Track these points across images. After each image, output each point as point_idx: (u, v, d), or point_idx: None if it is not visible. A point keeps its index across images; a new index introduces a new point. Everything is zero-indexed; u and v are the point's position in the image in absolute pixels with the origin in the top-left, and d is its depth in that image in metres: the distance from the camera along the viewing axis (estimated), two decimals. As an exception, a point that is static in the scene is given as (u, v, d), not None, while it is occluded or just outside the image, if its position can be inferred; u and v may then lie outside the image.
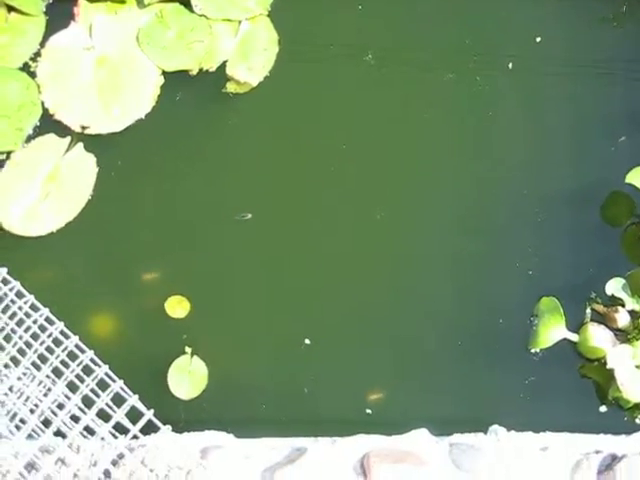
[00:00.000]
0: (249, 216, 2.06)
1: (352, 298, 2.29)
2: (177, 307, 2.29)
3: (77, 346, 1.77)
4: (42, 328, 1.87)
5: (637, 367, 2.14)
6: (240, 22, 2.56)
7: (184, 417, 2.17)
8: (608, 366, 2.09)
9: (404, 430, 1.97)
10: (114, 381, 1.75)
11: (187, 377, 2.22)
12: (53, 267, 2.33)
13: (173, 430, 1.89)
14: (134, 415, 1.82)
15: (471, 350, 2.23)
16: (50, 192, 2.37)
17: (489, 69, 2.52)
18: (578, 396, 2.18)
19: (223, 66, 2.52)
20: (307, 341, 2.24)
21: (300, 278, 2.31)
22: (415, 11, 2.58)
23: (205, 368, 2.23)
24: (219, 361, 2.24)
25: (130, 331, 2.27)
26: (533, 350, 2.21)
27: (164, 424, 1.85)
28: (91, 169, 2.40)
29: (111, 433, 1.73)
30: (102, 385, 1.80)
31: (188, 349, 2.23)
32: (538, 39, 2.54)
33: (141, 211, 2.39)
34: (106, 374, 1.73)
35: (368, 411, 2.17)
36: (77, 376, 1.75)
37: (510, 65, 2.50)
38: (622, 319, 2.19)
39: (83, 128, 2.43)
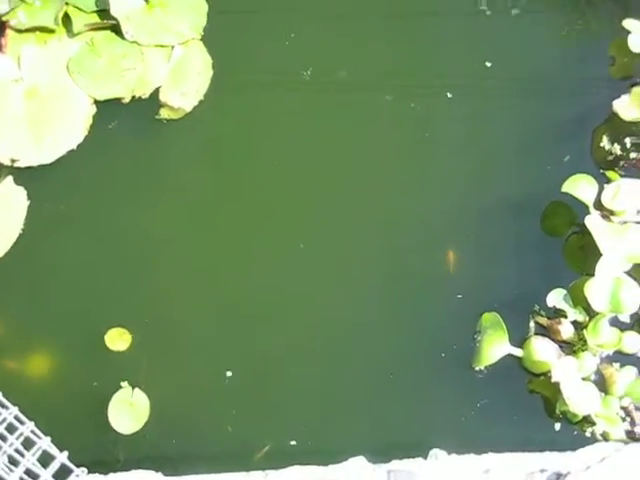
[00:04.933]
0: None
1: (286, 324, 2.15)
2: (118, 340, 2.14)
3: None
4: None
5: (583, 379, 2.00)
6: (173, 47, 2.44)
7: (123, 454, 2.00)
8: (553, 380, 1.95)
9: (342, 459, 1.82)
10: (23, 423, 1.57)
11: (128, 410, 2.05)
12: (-14, 305, 2.15)
13: (106, 469, 1.72)
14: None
15: (412, 373, 2.09)
16: (-20, 228, 2.21)
17: (430, 94, 2.39)
18: (524, 413, 2.03)
19: (156, 92, 2.38)
20: (229, 373, 2.09)
21: (236, 309, 2.17)
22: (354, 37, 2.46)
23: (147, 400, 2.06)
24: (162, 393, 2.07)
25: (68, 366, 2.13)
26: (477, 368, 2.05)
27: (99, 461, 1.69)
28: (22, 203, 2.25)
29: (23, 480, 1.56)
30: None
31: (124, 383, 2.06)
32: (488, 64, 2.41)
33: (76, 243, 2.24)
34: (15, 417, 1.55)
35: (292, 442, 2.01)
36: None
37: (449, 95, 2.37)
38: (566, 331, 2.05)
39: (13, 161, 2.28)
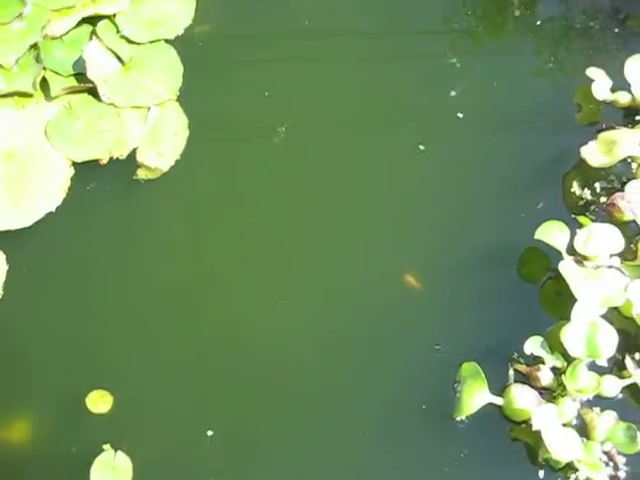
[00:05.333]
0: None
1: (266, 382, 2.13)
2: (99, 402, 2.11)
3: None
4: None
5: (564, 425, 1.99)
6: (149, 108, 2.45)
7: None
8: (534, 428, 1.94)
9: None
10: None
11: (110, 474, 2.02)
12: (-35, 370, 2.13)
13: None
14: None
15: (393, 425, 2.07)
16: (-42, 293, 2.19)
17: (402, 146, 2.41)
18: (507, 461, 2.02)
19: (134, 153, 2.40)
20: (210, 432, 2.06)
21: (216, 368, 2.15)
22: (327, 91, 2.49)
23: (130, 463, 2.03)
24: (144, 455, 2.04)
25: (48, 431, 2.09)
26: (458, 418, 2.04)
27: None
28: (0, 267, 2.22)
29: None
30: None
31: (106, 446, 2.03)
32: (459, 115, 2.45)
33: (55, 306, 2.22)
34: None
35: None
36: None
37: (422, 147, 2.40)
38: (544, 377, 2.05)
39: (-10, 225, 2.27)
